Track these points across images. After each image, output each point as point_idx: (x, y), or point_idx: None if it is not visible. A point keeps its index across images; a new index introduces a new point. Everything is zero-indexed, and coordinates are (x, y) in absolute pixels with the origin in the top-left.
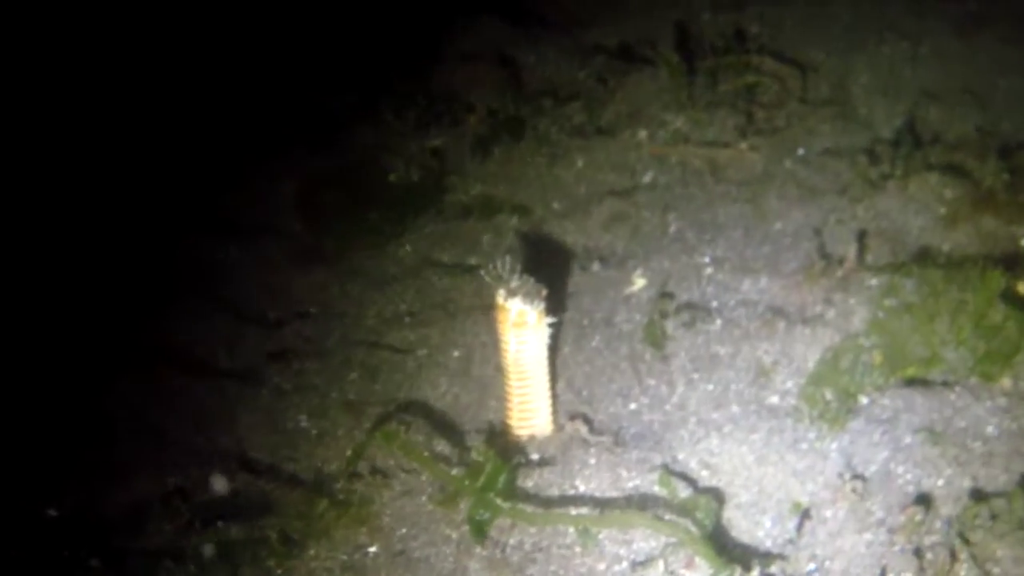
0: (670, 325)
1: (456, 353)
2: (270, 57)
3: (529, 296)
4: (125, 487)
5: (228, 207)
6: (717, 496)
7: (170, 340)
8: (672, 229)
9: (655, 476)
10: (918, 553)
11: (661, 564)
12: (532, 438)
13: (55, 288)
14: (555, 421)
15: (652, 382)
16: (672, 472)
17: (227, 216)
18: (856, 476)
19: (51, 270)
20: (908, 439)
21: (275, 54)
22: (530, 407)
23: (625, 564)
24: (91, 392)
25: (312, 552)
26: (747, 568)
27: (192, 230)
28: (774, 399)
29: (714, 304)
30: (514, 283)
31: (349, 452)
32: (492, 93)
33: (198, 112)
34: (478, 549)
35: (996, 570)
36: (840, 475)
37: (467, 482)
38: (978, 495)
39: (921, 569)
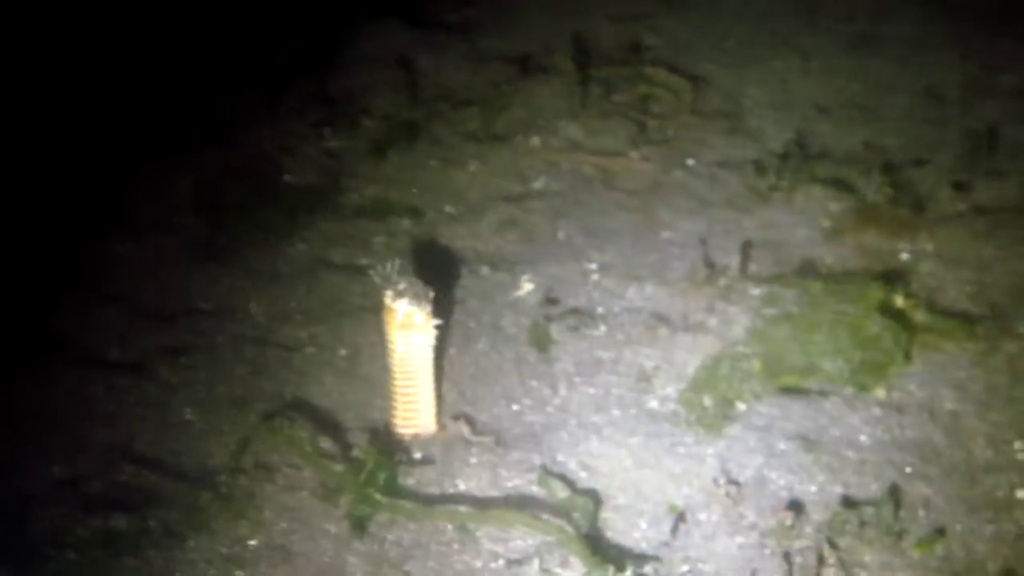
0: (555, 329)
1: (343, 352)
2: (169, 54)
3: (416, 298)
4: (8, 477)
5: (123, 202)
6: (595, 497)
7: (60, 333)
8: (562, 235)
9: (534, 476)
10: (787, 557)
11: (536, 562)
12: (416, 437)
13: None
14: (439, 421)
15: (535, 384)
16: (551, 473)
17: (122, 211)
18: (731, 481)
19: None
20: (783, 446)
21: (175, 51)
22: (414, 406)
23: (502, 562)
24: None
25: (193, 543)
26: (621, 568)
27: (86, 224)
28: (654, 404)
29: (599, 310)
30: (402, 285)
31: (233, 447)
32: (389, 96)
33: (93, 107)
34: (357, 544)
35: (863, 574)
36: (715, 480)
37: (348, 478)
38: (849, 502)
39: (790, 572)
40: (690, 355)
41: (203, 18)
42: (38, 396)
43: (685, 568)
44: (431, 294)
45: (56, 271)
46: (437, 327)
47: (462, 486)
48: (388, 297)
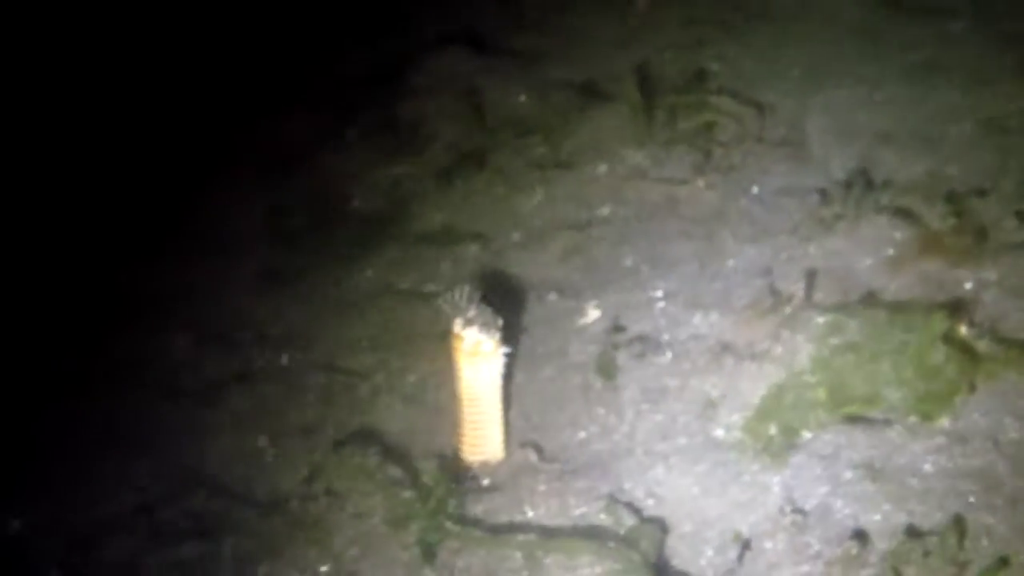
0: (621, 357)
1: (411, 379)
2: (240, 78)
3: (485, 326)
4: (89, 504)
5: (193, 228)
6: (661, 525)
7: (132, 359)
8: (627, 262)
9: (601, 504)
10: None
11: None
12: (483, 464)
13: (19, 301)
14: (506, 448)
15: (602, 412)
16: (618, 501)
17: (193, 237)
18: (796, 509)
19: (15, 284)
20: (848, 475)
21: (246, 76)
22: (482, 434)
23: None
24: (56, 408)
25: (265, 570)
26: None
27: (156, 250)
28: (719, 432)
29: (665, 337)
30: (471, 313)
31: (304, 473)
32: (455, 124)
33: (164, 131)
34: (427, 571)
35: None
36: (780, 508)
37: (418, 505)
38: (913, 531)
39: None
40: (755, 383)
41: (275, 44)
42: (110, 423)
43: None
44: (500, 322)
45: (126, 297)
46: (505, 355)
47: (530, 514)
48: (457, 325)
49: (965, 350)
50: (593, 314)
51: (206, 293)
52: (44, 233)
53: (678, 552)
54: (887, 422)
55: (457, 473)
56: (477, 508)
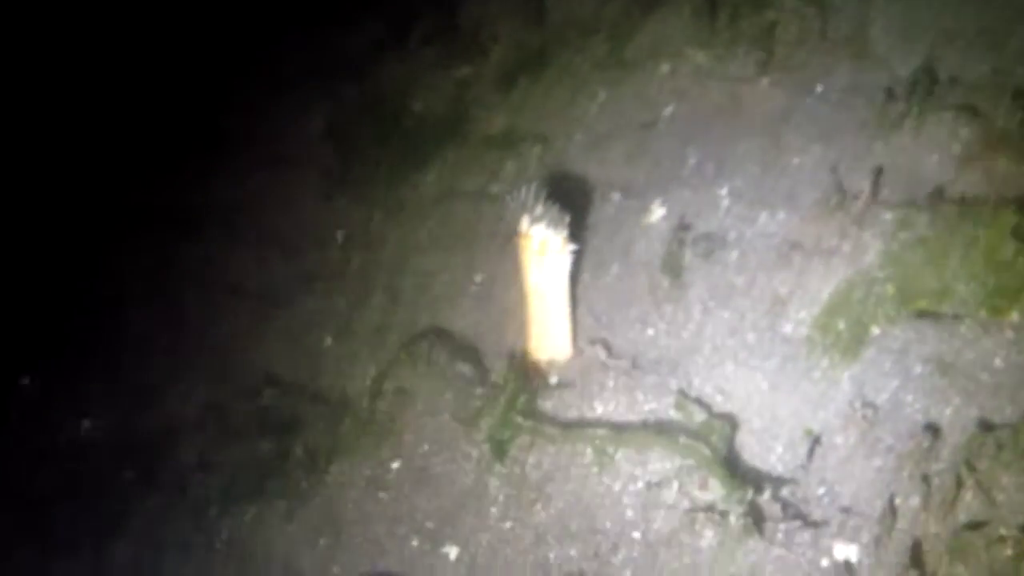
0: (687, 255)
1: (478, 278)
2: None
3: (553, 223)
4: (159, 403)
5: (258, 137)
6: (731, 421)
7: (200, 264)
8: (692, 162)
9: (671, 400)
10: (925, 479)
11: (675, 484)
12: (552, 361)
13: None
14: (575, 345)
15: (669, 309)
16: (687, 397)
17: (256, 145)
18: (867, 404)
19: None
20: (918, 369)
21: None
22: (551, 331)
23: (640, 484)
24: (126, 311)
25: (336, 467)
26: (759, 490)
27: (221, 158)
28: (788, 329)
29: (731, 236)
30: (538, 210)
31: (374, 372)
32: (517, 24)
33: (229, 44)
34: (498, 467)
35: (1000, 497)
36: (851, 403)
37: (488, 402)
38: (985, 425)
39: (928, 494)
40: (823, 280)
41: None
42: (179, 324)
43: (822, 491)
44: (567, 219)
45: (194, 206)
46: (572, 252)
47: (599, 410)
48: (524, 223)
49: None
50: (658, 212)
51: (272, 200)
52: (117, 146)
53: (748, 447)
54: (957, 317)
55: (526, 371)
56: (547, 405)
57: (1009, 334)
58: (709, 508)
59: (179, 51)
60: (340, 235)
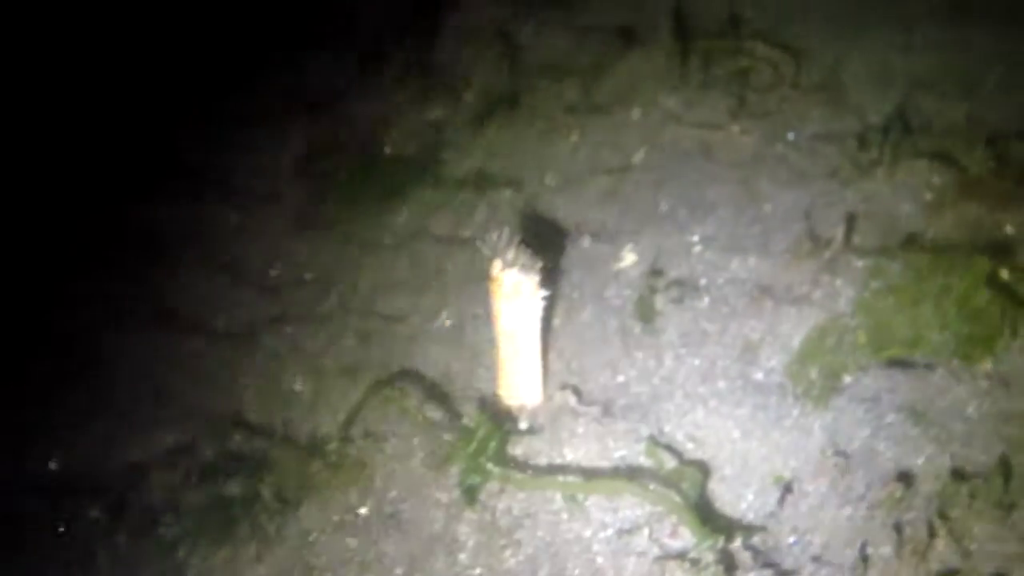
0: (659, 300)
1: (448, 322)
2: (273, 24)
3: (525, 268)
4: (127, 443)
5: (229, 173)
6: (702, 468)
7: (170, 302)
8: (663, 207)
9: (642, 447)
10: (897, 528)
11: (646, 532)
12: (523, 407)
13: (58, 241)
14: (545, 391)
15: (640, 355)
16: (658, 444)
17: (228, 182)
18: (838, 452)
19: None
20: (890, 418)
21: (278, 21)
22: (521, 376)
23: (611, 531)
24: (94, 349)
25: (305, 511)
26: (729, 538)
27: (192, 195)
28: (760, 375)
29: (703, 281)
30: (510, 254)
31: (343, 415)
32: (489, 68)
33: (199, 79)
34: (468, 512)
35: (973, 546)
36: (823, 451)
37: (459, 447)
38: (957, 474)
39: (900, 543)
40: (795, 327)
41: None
42: (150, 365)
43: (793, 539)
44: (539, 264)
45: (164, 242)
46: (544, 297)
47: (570, 456)
48: (497, 267)
49: (1007, 294)
50: (630, 258)
51: (242, 238)
52: (84, 175)
53: (719, 495)
54: (929, 365)
55: (496, 416)
56: (517, 450)
57: (982, 382)
58: (680, 556)
59: (151, 84)
60: (311, 275)
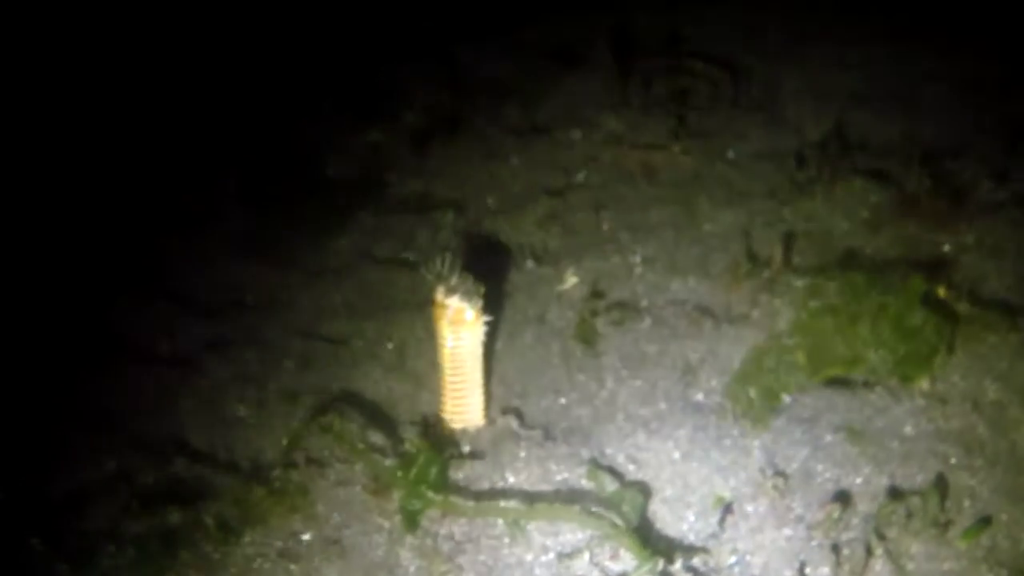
0: (601, 323)
1: (390, 346)
2: (215, 51)
3: (467, 294)
4: (67, 470)
5: (171, 198)
6: (643, 490)
7: (111, 328)
8: (604, 228)
9: (583, 470)
10: (835, 548)
11: (587, 555)
12: (464, 431)
13: None
14: (487, 415)
15: (582, 378)
16: (600, 466)
17: (169, 207)
18: (778, 473)
19: None
20: (829, 437)
21: (220, 48)
22: (463, 401)
23: (552, 555)
24: (33, 378)
25: (248, 538)
26: (670, 560)
27: (133, 220)
28: (700, 397)
29: (644, 303)
30: (453, 281)
31: (285, 441)
32: (430, 90)
33: (141, 104)
34: (409, 538)
35: (910, 566)
36: (762, 471)
37: (400, 473)
38: (895, 493)
39: (838, 564)
40: (735, 348)
41: (243, 16)
42: (91, 391)
43: (733, 560)
44: (481, 290)
45: (105, 267)
46: (486, 322)
47: (512, 480)
48: (439, 293)
49: (944, 312)
50: (572, 280)
51: (183, 262)
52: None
53: (660, 516)
54: (867, 385)
55: (439, 440)
56: (459, 475)
57: (919, 401)
58: None
59: (96, 113)
60: (252, 298)
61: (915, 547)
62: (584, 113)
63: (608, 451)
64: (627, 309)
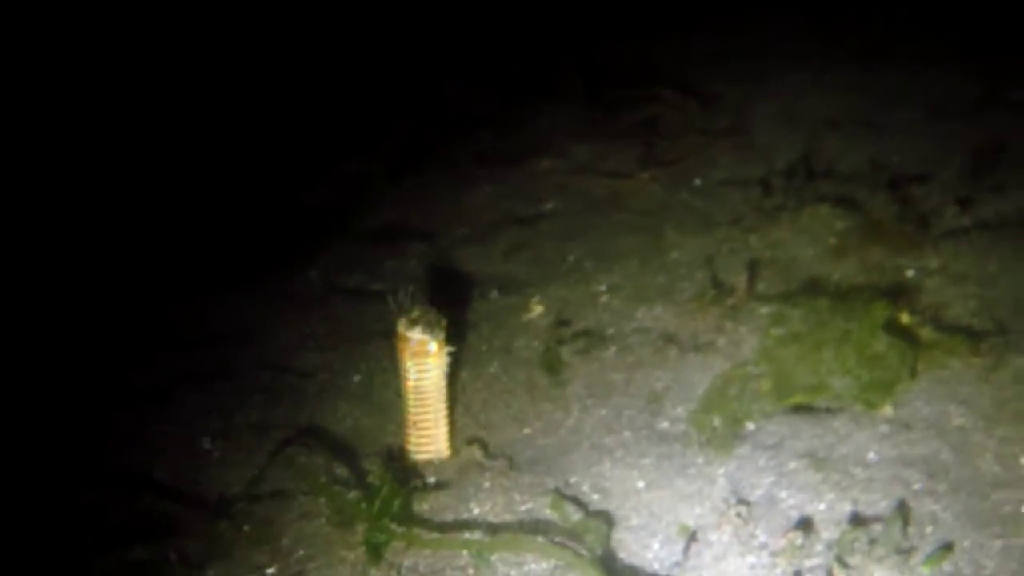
0: (566, 352)
1: (357, 377)
2: (196, 80)
3: (430, 326)
4: (34, 504)
5: (140, 227)
6: (607, 519)
7: (80, 360)
8: (571, 258)
9: (547, 500)
10: (798, 575)
11: None
12: (430, 462)
13: None
14: (452, 446)
15: (547, 407)
16: (564, 496)
17: (138, 236)
18: (741, 501)
19: None
20: (793, 464)
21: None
22: (428, 432)
23: None
24: (4, 410)
25: (212, 572)
26: None
27: (104, 252)
28: (665, 425)
29: (609, 331)
30: (415, 313)
31: (251, 474)
32: (404, 119)
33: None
34: (374, 571)
35: None
36: (726, 500)
37: (363, 505)
38: (858, 520)
39: None
40: (699, 375)
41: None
42: (56, 424)
43: None
44: (444, 322)
45: (76, 300)
46: (450, 354)
47: (476, 510)
48: (402, 325)
49: (907, 338)
50: (537, 309)
51: (155, 293)
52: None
53: (625, 545)
54: (831, 411)
55: (403, 472)
56: (423, 507)
57: (883, 427)
58: None
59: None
60: (226, 330)
61: (878, 573)
62: (553, 142)
63: (573, 480)
64: (592, 337)
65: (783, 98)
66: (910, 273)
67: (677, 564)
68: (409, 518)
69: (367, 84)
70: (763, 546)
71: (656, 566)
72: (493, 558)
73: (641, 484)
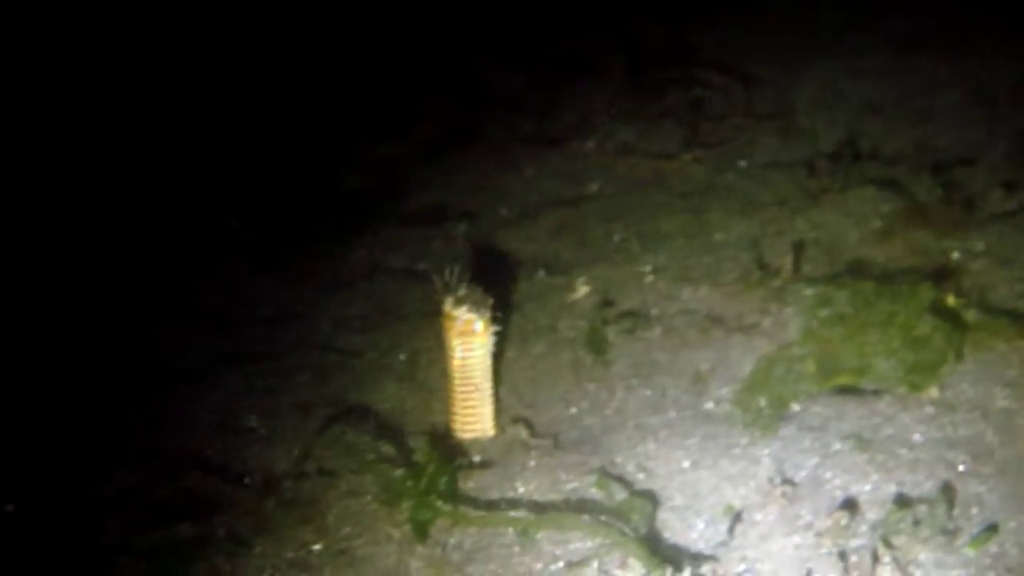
0: (611, 332)
1: (402, 357)
2: (229, 65)
3: (476, 306)
4: (79, 484)
5: (186, 212)
6: (652, 499)
7: (126, 342)
8: (616, 238)
9: (592, 479)
10: (843, 556)
11: (596, 564)
12: (475, 441)
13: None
14: (497, 424)
15: (592, 387)
16: (609, 475)
17: (184, 221)
18: (786, 481)
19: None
20: (837, 445)
21: (231, 62)
22: (473, 411)
23: (561, 564)
24: (47, 392)
25: (259, 549)
26: (679, 569)
27: (147, 235)
28: (710, 405)
29: (654, 312)
30: (461, 292)
31: (297, 453)
32: (445, 101)
33: (150, 116)
34: (419, 548)
35: (918, 572)
36: (771, 480)
37: (410, 483)
38: (902, 501)
39: (846, 571)
40: (744, 356)
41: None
42: (105, 405)
43: (742, 568)
44: (490, 301)
45: (119, 282)
46: (496, 333)
47: (521, 489)
48: (448, 304)
49: (953, 320)
50: (583, 290)
51: (199, 276)
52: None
53: (669, 525)
54: (876, 393)
55: (449, 450)
56: (469, 485)
57: (928, 409)
58: None
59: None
60: (269, 312)
61: (923, 554)
62: (597, 123)
63: (618, 460)
64: (638, 318)
65: (824, 82)
66: (956, 255)
67: (722, 544)
68: (455, 496)
69: (406, 66)
70: (808, 526)
71: (700, 545)
72: (538, 535)
73: (686, 464)
